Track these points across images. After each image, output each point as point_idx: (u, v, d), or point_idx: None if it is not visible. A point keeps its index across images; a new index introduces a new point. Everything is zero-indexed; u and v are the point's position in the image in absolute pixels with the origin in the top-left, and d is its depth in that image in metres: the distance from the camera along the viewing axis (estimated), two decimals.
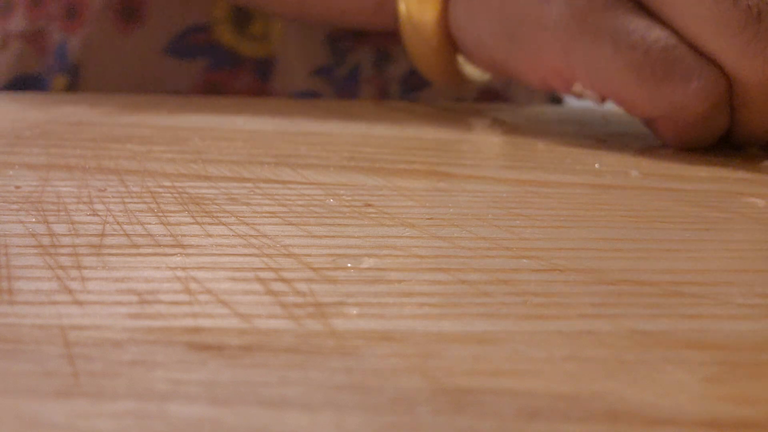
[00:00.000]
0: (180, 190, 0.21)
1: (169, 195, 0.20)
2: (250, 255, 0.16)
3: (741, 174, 0.25)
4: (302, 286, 0.14)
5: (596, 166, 0.26)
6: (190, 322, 0.12)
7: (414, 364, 0.11)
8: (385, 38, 0.42)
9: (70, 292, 0.14)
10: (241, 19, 0.39)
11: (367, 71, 0.43)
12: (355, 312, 0.13)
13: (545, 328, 0.13)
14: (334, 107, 0.37)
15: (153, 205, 0.19)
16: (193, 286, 0.14)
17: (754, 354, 0.12)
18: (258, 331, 0.12)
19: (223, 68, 0.40)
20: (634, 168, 0.25)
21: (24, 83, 0.42)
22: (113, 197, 0.20)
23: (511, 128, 0.33)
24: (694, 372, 0.11)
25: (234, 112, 0.35)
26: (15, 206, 0.19)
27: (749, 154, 0.28)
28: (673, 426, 0.10)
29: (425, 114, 0.37)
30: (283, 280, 0.14)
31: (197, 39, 0.39)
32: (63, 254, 0.15)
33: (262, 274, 0.15)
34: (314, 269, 0.15)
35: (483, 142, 0.30)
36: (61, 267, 0.15)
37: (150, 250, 0.16)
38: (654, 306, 0.14)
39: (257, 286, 0.14)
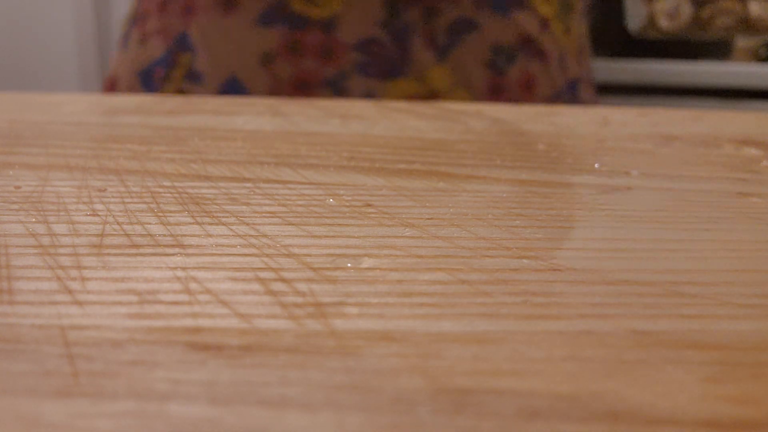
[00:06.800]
0: (180, 190, 0.21)
1: (169, 195, 0.20)
2: (250, 255, 0.16)
3: (741, 174, 0.25)
4: (302, 286, 0.14)
5: (596, 166, 0.26)
6: (190, 322, 0.12)
7: (414, 364, 0.11)
8: None
9: (70, 292, 0.14)
10: None
11: (417, 24, 0.53)
12: (355, 312, 0.13)
13: (545, 328, 0.13)
14: (334, 107, 0.37)
15: (153, 205, 0.19)
16: (193, 286, 0.14)
17: (754, 354, 0.12)
18: (258, 331, 0.12)
19: (297, 30, 0.54)
20: (634, 168, 0.25)
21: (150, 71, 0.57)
22: (113, 197, 0.20)
23: (511, 128, 0.33)
24: (694, 372, 0.11)
25: (234, 112, 0.35)
26: (15, 206, 0.19)
27: (749, 154, 0.28)
28: (673, 426, 0.10)
29: (425, 114, 0.37)
30: (283, 280, 0.14)
31: (278, 11, 0.54)
32: (63, 254, 0.15)
33: (262, 274, 0.15)
34: (314, 269, 0.15)
35: (483, 142, 0.30)
36: (61, 267, 0.15)
37: (150, 250, 0.16)
38: (654, 306, 0.14)
39: (257, 286, 0.14)
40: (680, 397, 0.11)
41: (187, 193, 0.20)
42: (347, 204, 0.20)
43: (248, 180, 0.22)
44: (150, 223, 0.18)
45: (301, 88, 0.52)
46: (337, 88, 0.52)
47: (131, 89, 0.56)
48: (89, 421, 0.10)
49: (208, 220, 0.18)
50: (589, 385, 0.11)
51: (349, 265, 0.15)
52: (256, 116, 0.34)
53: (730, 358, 0.12)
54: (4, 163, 0.24)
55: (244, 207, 0.19)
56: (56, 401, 0.10)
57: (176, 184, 0.21)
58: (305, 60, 0.52)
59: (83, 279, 0.14)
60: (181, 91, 0.54)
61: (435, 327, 0.13)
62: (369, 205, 0.20)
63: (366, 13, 0.53)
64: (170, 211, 0.19)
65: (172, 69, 0.55)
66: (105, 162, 0.24)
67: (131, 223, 0.18)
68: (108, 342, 0.12)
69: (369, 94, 0.52)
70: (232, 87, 0.52)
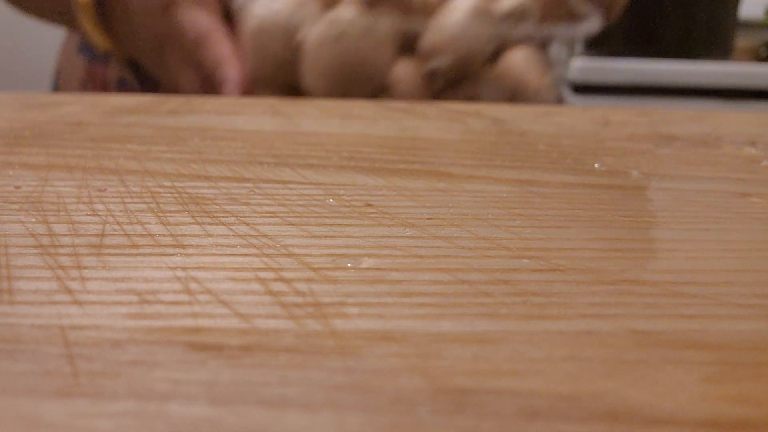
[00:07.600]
0: (180, 190, 0.21)
1: (169, 195, 0.20)
2: (250, 255, 0.16)
3: (741, 174, 0.25)
4: (302, 286, 0.14)
5: (596, 166, 0.26)
6: (190, 322, 0.12)
7: (414, 364, 0.11)
8: None
9: (70, 292, 0.14)
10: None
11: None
12: (355, 312, 0.13)
13: (545, 328, 0.13)
14: (334, 107, 0.37)
15: (153, 205, 0.19)
16: (193, 286, 0.14)
17: (754, 354, 0.12)
18: (258, 331, 0.12)
19: (92, 61, 0.61)
20: (634, 168, 0.25)
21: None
22: (113, 197, 0.20)
23: (511, 128, 0.33)
24: (694, 372, 0.11)
25: (234, 112, 0.35)
26: (15, 206, 0.19)
27: (749, 154, 0.28)
28: (673, 426, 0.10)
29: (425, 114, 0.37)
30: (283, 280, 0.14)
31: (85, 41, 0.61)
32: (63, 254, 0.15)
33: (262, 274, 0.15)
34: (314, 269, 0.15)
35: (483, 142, 0.30)
36: (61, 267, 0.15)
37: (150, 250, 0.16)
38: (654, 306, 0.14)
39: (257, 286, 0.14)
40: (680, 397, 0.11)
41: (187, 193, 0.20)
42: (347, 204, 0.20)
43: (248, 180, 0.22)
44: (150, 223, 0.18)
45: None
46: None
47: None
48: (89, 421, 0.10)
49: (208, 220, 0.18)
50: (589, 385, 0.11)
51: (349, 265, 0.15)
52: (256, 116, 0.34)
53: (730, 358, 0.12)
54: (4, 163, 0.24)
55: (244, 207, 0.19)
56: (56, 401, 0.10)
57: (176, 184, 0.21)
58: (95, 91, 0.58)
59: (83, 279, 0.14)
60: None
61: (435, 327, 0.13)
62: (369, 205, 0.20)
63: (131, 48, 0.55)
64: (170, 211, 0.19)
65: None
66: (105, 162, 0.24)
67: (131, 223, 0.18)
68: (108, 342, 0.12)
69: None
70: None
